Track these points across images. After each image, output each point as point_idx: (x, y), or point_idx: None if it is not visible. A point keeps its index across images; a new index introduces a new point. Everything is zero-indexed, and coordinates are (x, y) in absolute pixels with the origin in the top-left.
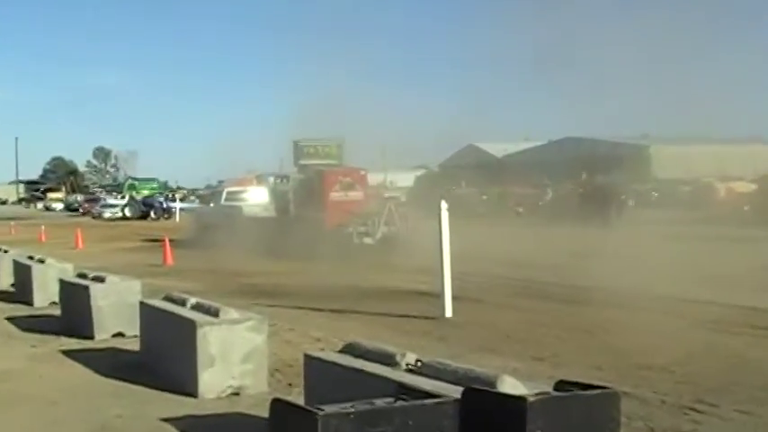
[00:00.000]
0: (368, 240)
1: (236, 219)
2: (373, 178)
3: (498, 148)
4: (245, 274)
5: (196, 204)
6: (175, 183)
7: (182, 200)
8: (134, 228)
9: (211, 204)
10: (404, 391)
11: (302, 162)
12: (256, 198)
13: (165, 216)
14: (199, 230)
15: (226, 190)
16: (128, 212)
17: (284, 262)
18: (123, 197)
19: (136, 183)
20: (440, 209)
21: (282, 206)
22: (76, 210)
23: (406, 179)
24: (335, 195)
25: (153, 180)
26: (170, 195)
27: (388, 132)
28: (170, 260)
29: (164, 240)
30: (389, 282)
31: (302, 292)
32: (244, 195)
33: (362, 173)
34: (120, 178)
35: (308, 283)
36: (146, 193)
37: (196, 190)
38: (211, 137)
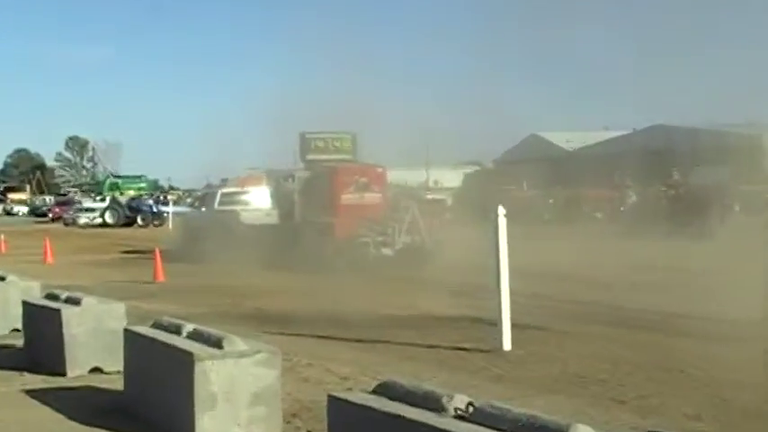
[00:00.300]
0: (386, 251)
1: (232, 226)
2: (413, 176)
3: (569, 139)
4: (247, 294)
5: (185, 208)
6: (168, 181)
7: (176, 202)
8: (117, 237)
9: (203, 209)
10: None
11: (310, 158)
12: (256, 201)
13: (156, 223)
14: (188, 240)
15: (220, 192)
16: (109, 218)
17: (290, 277)
18: (103, 199)
19: (119, 181)
20: (495, 215)
21: (286, 210)
22: (45, 215)
23: (453, 178)
24: (348, 198)
25: (140, 178)
26: (161, 197)
27: (415, 122)
28: (161, 277)
29: (153, 253)
30: (424, 304)
31: (319, 317)
32: (241, 198)
33: (380, 170)
34: (100, 175)
35: (324, 304)
36: (131, 194)
37: (193, 190)
38: (210, 127)
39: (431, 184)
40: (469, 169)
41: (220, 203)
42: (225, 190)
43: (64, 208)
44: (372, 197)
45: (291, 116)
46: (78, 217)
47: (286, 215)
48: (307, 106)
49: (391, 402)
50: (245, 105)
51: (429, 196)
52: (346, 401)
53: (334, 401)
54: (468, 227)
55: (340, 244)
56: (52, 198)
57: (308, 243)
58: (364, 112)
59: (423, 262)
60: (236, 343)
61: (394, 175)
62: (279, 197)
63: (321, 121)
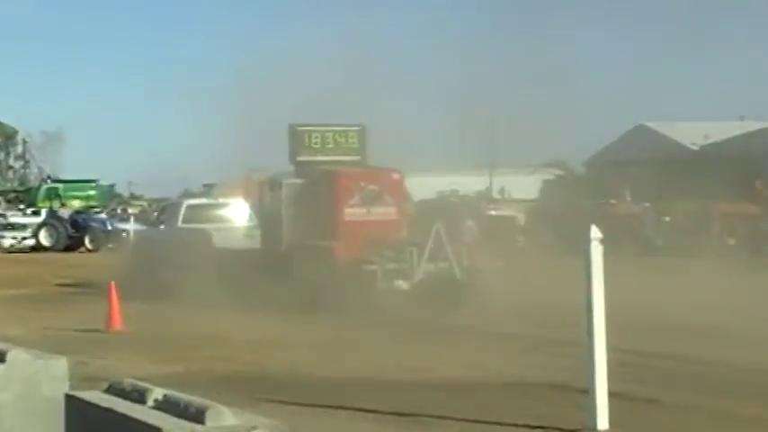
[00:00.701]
0: (401, 284)
1: (200, 250)
2: (470, 184)
3: (690, 133)
4: (229, 345)
5: (134, 225)
6: (128, 187)
7: (139, 217)
8: (55, 264)
9: (162, 227)
10: None
11: (302, 158)
12: (233, 216)
13: (110, 245)
14: (140, 268)
15: (185, 204)
16: (44, 239)
17: (280, 321)
18: (37, 212)
19: (59, 187)
20: (587, 239)
21: (271, 230)
22: None
23: (527, 186)
24: (353, 212)
25: (89, 183)
26: (119, 209)
27: (464, 108)
28: (117, 321)
29: (107, 287)
30: (479, 361)
31: (333, 379)
32: (214, 212)
33: (396, 176)
34: (33, 179)
35: (336, 360)
36: (77, 205)
37: (164, 200)
38: (182, 114)
39: (496, 194)
40: (550, 174)
41: (185, 219)
42: (191, 201)
43: None
44: (384, 211)
45: (280, 102)
46: (2, 237)
47: (271, 236)
48: (300, 87)
49: None
50: (223, 86)
51: (492, 212)
52: None
53: None
54: (549, 254)
55: (340, 273)
56: None
57: (299, 274)
58: (379, 96)
59: (451, 299)
60: (223, 416)
61: (438, 182)
62: (261, 212)
63: (319, 108)
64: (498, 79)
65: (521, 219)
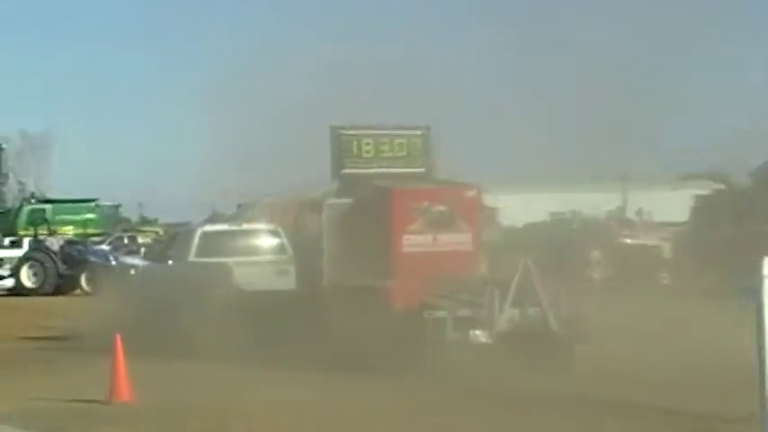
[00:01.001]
0: (478, 335)
1: (218, 292)
2: (594, 201)
3: None
4: (263, 419)
5: (136, 260)
6: (138, 210)
7: (150, 248)
8: (41, 312)
9: (170, 262)
10: None
11: (348, 171)
12: (261, 246)
13: (112, 285)
14: (143, 315)
15: (200, 231)
16: (27, 278)
17: (322, 383)
18: (18, 242)
19: (47, 208)
20: (757, 276)
21: (309, 264)
22: None
23: (672, 205)
24: (414, 240)
25: (87, 204)
26: (126, 238)
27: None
28: (125, 388)
29: (114, 345)
30: None
31: None
32: (237, 243)
33: (471, 193)
34: (12, 197)
35: None
36: (70, 232)
37: (185, 225)
38: (203, 111)
39: (632, 215)
40: (705, 189)
41: (200, 252)
42: (208, 228)
43: None
44: (456, 240)
45: (319, 96)
46: None
47: (309, 273)
48: (350, 82)
49: None
50: (255, 84)
51: (628, 240)
52: None
53: None
54: (702, 296)
55: (397, 320)
56: None
57: (344, 322)
58: (453, 89)
59: (545, 356)
60: None
61: (553, 199)
62: (297, 242)
63: (371, 105)
64: (630, 59)
65: (665, 249)
